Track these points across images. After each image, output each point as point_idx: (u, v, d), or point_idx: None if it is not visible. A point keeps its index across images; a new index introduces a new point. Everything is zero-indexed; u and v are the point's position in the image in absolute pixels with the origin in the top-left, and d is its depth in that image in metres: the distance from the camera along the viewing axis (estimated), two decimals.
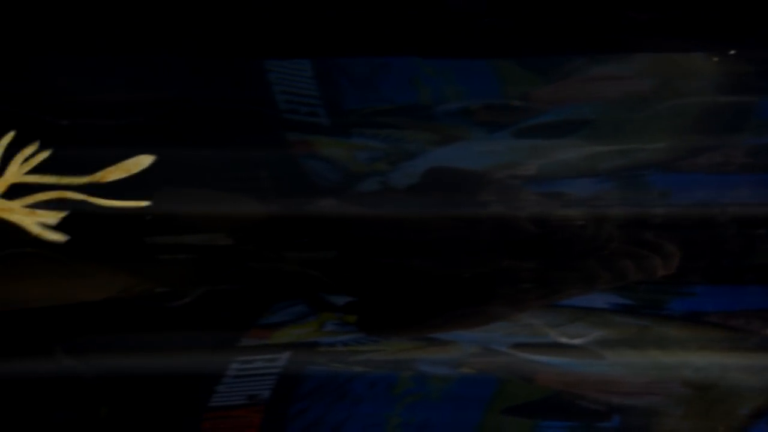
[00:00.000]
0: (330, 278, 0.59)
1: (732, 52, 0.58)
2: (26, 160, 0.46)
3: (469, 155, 0.59)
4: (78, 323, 0.59)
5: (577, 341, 0.61)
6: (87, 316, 0.59)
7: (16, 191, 0.52)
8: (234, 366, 0.60)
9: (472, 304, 0.60)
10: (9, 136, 0.46)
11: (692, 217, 0.59)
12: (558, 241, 0.58)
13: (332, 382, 0.60)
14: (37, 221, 0.48)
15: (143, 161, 0.51)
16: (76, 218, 0.53)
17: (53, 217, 0.49)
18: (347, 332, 0.61)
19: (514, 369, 0.60)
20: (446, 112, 0.58)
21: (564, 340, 0.61)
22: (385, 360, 0.61)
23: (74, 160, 0.55)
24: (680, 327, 0.61)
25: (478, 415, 0.60)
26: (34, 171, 0.49)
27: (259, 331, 0.61)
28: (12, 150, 0.49)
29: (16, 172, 0.47)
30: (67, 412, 0.60)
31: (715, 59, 0.59)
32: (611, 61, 0.59)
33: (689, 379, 0.60)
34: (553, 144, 0.59)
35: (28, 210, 0.47)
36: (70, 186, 0.52)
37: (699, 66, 0.59)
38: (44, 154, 0.47)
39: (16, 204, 0.47)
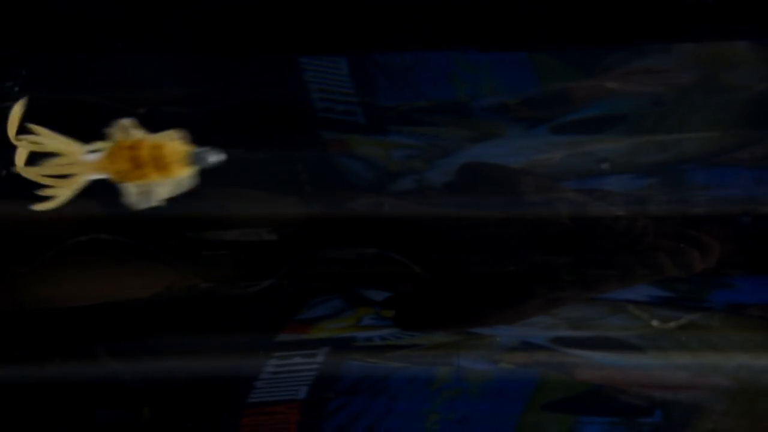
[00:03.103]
0: (368, 274, 0.59)
1: None
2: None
3: (506, 152, 0.59)
4: (122, 324, 0.60)
5: (617, 335, 0.60)
6: (130, 316, 0.60)
7: None
8: (273, 362, 0.60)
9: (510, 300, 0.59)
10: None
11: (733, 211, 0.58)
12: (596, 236, 0.58)
13: (370, 378, 0.61)
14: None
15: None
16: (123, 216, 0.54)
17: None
18: (384, 327, 0.61)
19: (553, 364, 0.60)
20: (483, 108, 0.58)
21: (604, 333, 0.60)
22: (423, 355, 0.61)
23: None
24: (722, 320, 0.61)
25: (517, 410, 0.60)
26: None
27: (297, 327, 0.61)
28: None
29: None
30: (109, 413, 0.61)
31: (759, 48, 0.58)
32: (652, 53, 0.58)
33: (732, 374, 0.59)
34: (592, 139, 0.58)
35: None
36: None
37: (742, 56, 0.58)
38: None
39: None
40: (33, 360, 0.60)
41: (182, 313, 0.60)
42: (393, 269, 0.59)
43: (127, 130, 0.47)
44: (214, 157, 0.47)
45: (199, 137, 0.55)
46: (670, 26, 0.58)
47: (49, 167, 0.47)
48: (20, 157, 0.47)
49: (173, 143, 0.47)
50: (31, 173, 0.47)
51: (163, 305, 0.59)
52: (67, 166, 0.48)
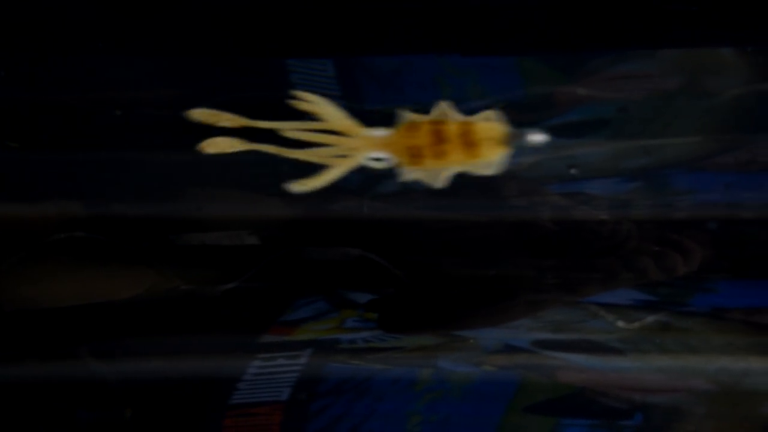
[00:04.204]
0: (351, 276, 0.59)
1: (755, 47, 0.57)
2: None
3: None
4: (103, 325, 0.60)
5: (599, 338, 0.61)
6: (112, 317, 0.60)
7: None
8: (256, 363, 0.60)
9: (493, 302, 0.60)
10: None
11: (715, 216, 0.58)
12: (579, 239, 0.58)
13: (353, 380, 0.61)
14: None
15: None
16: (103, 216, 0.53)
17: None
18: (368, 329, 0.61)
19: (535, 366, 0.61)
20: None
21: (586, 336, 0.61)
22: (406, 357, 0.61)
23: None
24: (703, 323, 0.61)
25: (499, 412, 0.60)
26: None
27: (280, 328, 0.61)
28: None
29: None
30: (91, 413, 0.61)
31: (743, 54, 0.58)
32: (637, 58, 0.58)
33: (712, 377, 0.60)
34: (577, 143, 0.59)
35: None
36: None
37: (726, 62, 0.59)
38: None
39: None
40: (13, 360, 0.60)
41: (165, 314, 0.60)
42: (376, 272, 0.59)
43: (445, 113, 0.46)
44: (536, 137, 0.45)
45: (183, 138, 0.55)
46: (654, 32, 0.58)
47: (325, 142, 0.46)
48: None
49: (486, 122, 0.46)
50: (300, 153, 0.46)
51: (145, 306, 0.59)
52: (343, 141, 0.46)
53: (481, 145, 0.45)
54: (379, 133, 0.46)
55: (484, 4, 0.58)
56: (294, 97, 0.50)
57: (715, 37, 0.58)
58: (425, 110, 0.58)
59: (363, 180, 0.58)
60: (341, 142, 0.47)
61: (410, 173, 0.47)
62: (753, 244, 0.59)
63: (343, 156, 0.47)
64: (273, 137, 0.51)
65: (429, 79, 0.58)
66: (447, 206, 0.58)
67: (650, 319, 0.60)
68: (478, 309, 0.60)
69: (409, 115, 0.47)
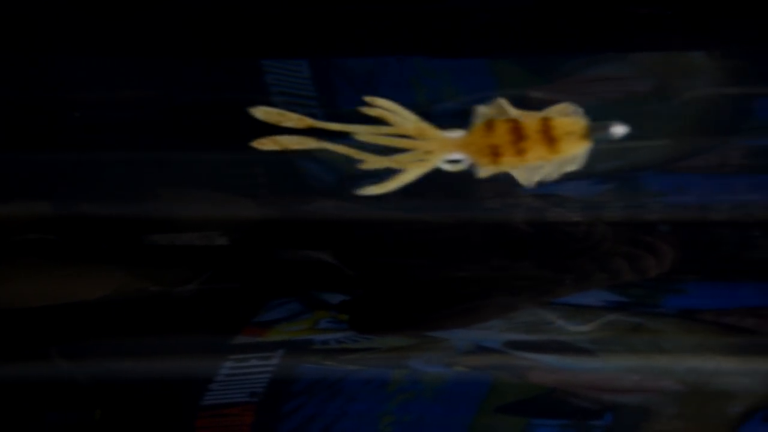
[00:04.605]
0: (325, 277, 0.59)
1: (728, 50, 0.58)
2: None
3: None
4: (73, 325, 0.59)
5: (570, 339, 0.61)
6: (82, 318, 0.59)
7: None
8: (228, 364, 0.60)
9: (466, 303, 0.60)
10: None
11: (687, 218, 0.59)
12: (553, 241, 0.59)
13: (325, 380, 0.61)
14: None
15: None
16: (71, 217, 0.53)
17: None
18: (341, 330, 0.61)
19: (507, 367, 0.61)
20: (443, 113, 0.58)
21: (557, 337, 0.61)
22: (379, 358, 0.61)
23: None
24: (674, 325, 0.62)
25: (470, 413, 0.60)
26: None
27: (253, 329, 0.61)
28: None
29: None
30: (61, 414, 0.60)
31: (714, 58, 0.59)
32: (609, 61, 0.59)
33: (682, 377, 0.60)
34: None
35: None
36: None
37: (697, 66, 0.59)
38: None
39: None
40: None
41: (136, 314, 0.59)
42: (349, 273, 0.59)
43: (502, 108, 0.45)
44: (617, 129, 0.45)
45: (159, 139, 0.55)
46: (627, 35, 0.58)
47: (400, 145, 0.45)
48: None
49: (565, 117, 0.45)
50: (376, 161, 0.45)
51: (115, 306, 0.59)
52: (419, 143, 0.46)
53: (562, 140, 0.45)
54: (455, 134, 0.46)
55: (458, 6, 0.58)
56: (365, 103, 0.50)
57: (687, 40, 0.58)
58: None
59: (338, 181, 0.58)
60: (417, 146, 0.47)
61: (489, 171, 0.47)
62: (724, 245, 0.60)
63: (419, 159, 0.46)
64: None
65: (403, 80, 0.59)
66: (421, 207, 0.59)
67: (602, 321, 0.61)
68: (450, 310, 0.60)
69: (484, 113, 0.47)
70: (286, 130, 0.51)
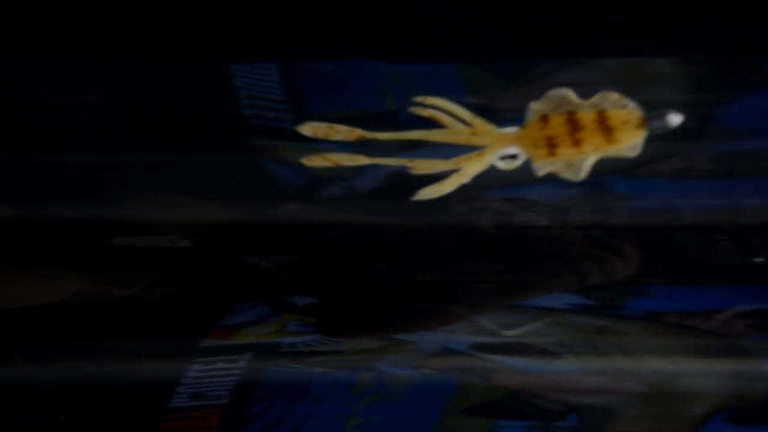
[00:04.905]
0: (293, 280, 0.59)
1: (692, 57, 0.58)
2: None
3: (433, 160, 0.59)
4: (35, 329, 0.59)
5: (536, 341, 0.61)
6: (45, 321, 0.59)
7: None
8: (195, 367, 0.60)
9: (433, 306, 0.60)
10: None
11: (653, 222, 0.59)
12: (520, 244, 0.59)
13: (293, 383, 0.61)
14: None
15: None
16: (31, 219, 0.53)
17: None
18: (309, 333, 0.61)
19: (473, 369, 0.61)
20: (412, 117, 0.58)
21: (523, 340, 0.61)
22: (346, 360, 0.61)
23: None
24: (638, 327, 0.62)
25: (437, 414, 0.61)
26: None
27: (221, 332, 0.61)
28: None
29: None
30: (26, 418, 0.60)
31: (678, 65, 0.59)
32: (576, 66, 0.59)
33: (645, 379, 0.61)
34: None
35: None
36: None
37: (662, 72, 0.60)
38: None
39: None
40: None
41: (102, 318, 0.59)
42: (317, 275, 0.59)
43: (561, 100, 0.45)
44: (674, 119, 0.45)
45: (124, 142, 0.55)
46: (594, 41, 0.59)
47: (454, 141, 0.45)
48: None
49: (621, 108, 0.45)
50: (424, 165, 0.45)
51: (81, 310, 0.59)
52: (474, 139, 0.46)
53: (618, 129, 0.46)
54: (510, 129, 0.47)
55: (427, 11, 0.58)
56: (416, 104, 0.50)
57: (652, 47, 0.59)
58: (369, 115, 0.59)
59: (306, 184, 0.59)
60: (472, 141, 0.47)
61: (544, 167, 0.47)
62: (688, 249, 0.60)
63: (474, 157, 0.47)
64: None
65: (372, 84, 0.59)
66: (389, 211, 0.59)
67: (590, 323, 0.61)
68: (417, 313, 0.60)
69: (537, 109, 0.47)
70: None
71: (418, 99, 0.47)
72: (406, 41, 0.59)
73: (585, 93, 0.59)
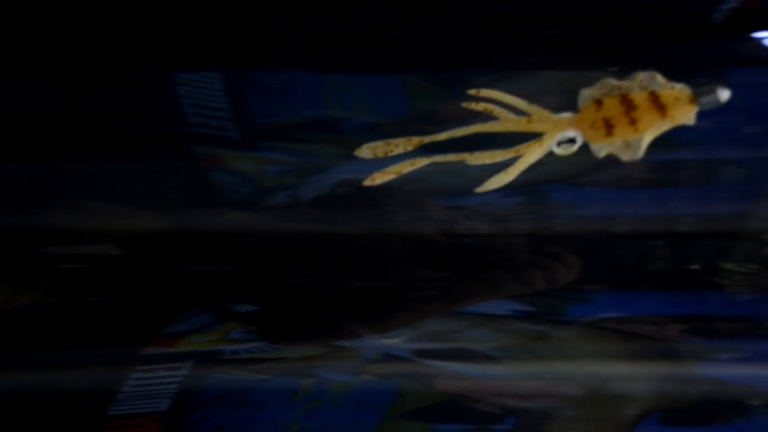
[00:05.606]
0: (235, 288, 0.59)
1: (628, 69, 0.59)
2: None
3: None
4: None
5: (477, 347, 0.62)
6: None
7: None
8: (136, 375, 0.60)
9: (375, 313, 0.61)
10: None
11: (592, 230, 0.60)
12: (467, 252, 0.60)
13: (234, 390, 0.61)
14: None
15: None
16: None
17: None
18: (252, 340, 0.61)
19: (414, 375, 0.62)
20: (355, 127, 0.59)
21: (464, 346, 0.62)
22: (288, 367, 0.62)
23: None
24: (577, 332, 0.63)
25: (376, 420, 0.61)
26: None
27: (163, 341, 0.61)
28: None
29: None
30: None
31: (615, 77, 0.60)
32: (517, 77, 0.60)
33: (582, 382, 0.62)
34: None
35: None
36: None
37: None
38: None
39: None
40: None
41: (37, 326, 0.59)
42: (259, 282, 0.59)
43: (612, 84, 0.46)
44: (723, 93, 0.45)
45: (63, 149, 0.54)
46: (534, 54, 0.59)
47: (513, 129, 0.45)
48: None
49: (669, 87, 0.46)
50: (484, 157, 0.45)
51: (12, 318, 0.58)
52: (532, 125, 0.46)
53: (671, 106, 0.47)
54: (566, 114, 0.48)
55: (372, 23, 0.58)
56: (469, 98, 0.51)
57: (590, 60, 0.60)
58: (313, 124, 0.59)
59: (251, 193, 0.59)
60: (531, 128, 0.48)
61: (603, 149, 0.48)
62: (627, 256, 0.62)
63: (534, 144, 0.47)
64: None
65: (316, 94, 0.59)
66: (333, 219, 0.59)
67: (530, 329, 0.62)
68: (359, 320, 0.61)
69: (589, 95, 0.48)
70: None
71: (471, 91, 0.48)
72: (350, 52, 0.59)
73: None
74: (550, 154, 0.52)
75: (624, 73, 0.60)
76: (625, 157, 0.49)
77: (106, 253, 0.58)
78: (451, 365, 0.62)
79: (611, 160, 0.61)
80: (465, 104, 0.48)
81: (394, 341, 0.61)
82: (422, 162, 0.51)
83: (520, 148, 0.49)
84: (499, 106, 0.49)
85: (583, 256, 0.60)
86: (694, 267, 0.61)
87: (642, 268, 0.61)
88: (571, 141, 0.50)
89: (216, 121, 0.58)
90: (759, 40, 0.58)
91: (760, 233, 0.60)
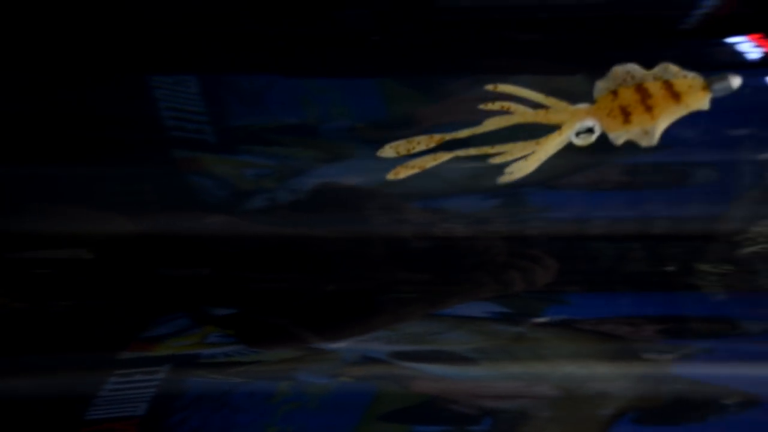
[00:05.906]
0: (213, 292, 0.59)
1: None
2: None
3: (355, 172, 0.60)
4: None
5: (454, 349, 0.62)
6: None
7: None
8: (113, 379, 0.60)
9: (353, 316, 0.61)
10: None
11: (568, 232, 0.61)
12: (442, 254, 0.60)
13: (212, 393, 0.61)
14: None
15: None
16: None
17: None
18: (229, 344, 0.61)
19: (392, 377, 0.62)
20: (332, 130, 0.59)
21: (442, 348, 0.62)
22: (265, 370, 0.62)
23: None
24: (553, 334, 0.64)
25: (354, 421, 0.61)
26: None
27: (140, 345, 0.61)
28: None
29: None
30: None
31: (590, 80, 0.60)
32: (493, 81, 0.60)
33: (558, 383, 0.62)
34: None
35: None
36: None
37: (575, 87, 0.61)
38: None
39: None
40: None
41: (16, 331, 0.58)
42: (237, 287, 0.59)
43: (626, 75, 0.46)
44: (735, 80, 0.46)
45: (37, 152, 0.54)
46: (510, 58, 0.60)
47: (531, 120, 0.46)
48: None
49: (682, 77, 0.46)
50: (507, 150, 0.46)
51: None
52: (550, 116, 0.46)
53: (685, 93, 0.48)
54: (583, 105, 0.48)
55: (348, 27, 0.59)
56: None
57: (564, 64, 0.60)
58: (291, 128, 0.59)
59: (228, 196, 0.59)
60: (548, 119, 0.48)
61: (621, 136, 0.49)
62: (603, 258, 0.62)
63: (554, 135, 0.48)
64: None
65: (293, 98, 0.59)
66: (310, 222, 0.59)
67: (507, 331, 0.62)
68: (337, 323, 0.61)
69: (604, 86, 0.48)
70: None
71: (489, 87, 0.49)
72: (327, 56, 0.59)
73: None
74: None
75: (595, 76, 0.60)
76: (644, 143, 0.50)
77: (82, 258, 0.58)
78: (429, 367, 0.62)
79: (586, 163, 0.61)
80: (482, 105, 0.49)
81: (371, 344, 0.61)
82: (444, 157, 0.52)
83: (541, 140, 0.50)
84: (515, 101, 0.50)
85: (559, 258, 0.60)
86: (670, 268, 0.62)
87: (618, 270, 0.62)
88: (590, 131, 0.51)
89: (193, 124, 0.58)
90: (731, 45, 0.59)
91: (734, 235, 0.60)
